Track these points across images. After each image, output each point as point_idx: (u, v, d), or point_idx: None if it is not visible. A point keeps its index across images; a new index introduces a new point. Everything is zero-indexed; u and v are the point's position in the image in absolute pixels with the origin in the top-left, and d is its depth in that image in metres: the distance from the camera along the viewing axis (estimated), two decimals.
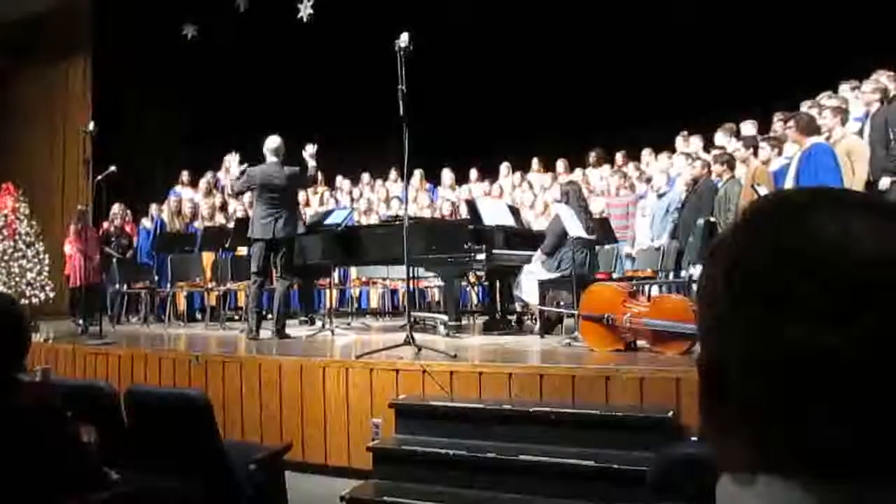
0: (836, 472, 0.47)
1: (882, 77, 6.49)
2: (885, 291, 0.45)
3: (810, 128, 5.95)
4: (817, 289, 0.46)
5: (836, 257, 0.46)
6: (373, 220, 9.71)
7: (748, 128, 7.84)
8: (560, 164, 10.01)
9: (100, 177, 7.42)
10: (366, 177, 11.20)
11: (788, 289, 0.47)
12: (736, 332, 0.50)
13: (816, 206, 0.50)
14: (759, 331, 0.48)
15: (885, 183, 6.07)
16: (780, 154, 6.73)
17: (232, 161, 7.02)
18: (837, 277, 0.46)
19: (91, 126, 7.54)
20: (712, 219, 6.61)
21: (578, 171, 9.77)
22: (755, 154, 6.75)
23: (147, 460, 2.83)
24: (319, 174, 9.84)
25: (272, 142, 6.61)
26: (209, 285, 8.78)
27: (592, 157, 9.89)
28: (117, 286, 9.10)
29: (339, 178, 11.19)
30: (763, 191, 5.69)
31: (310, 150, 6.70)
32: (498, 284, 7.41)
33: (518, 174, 10.34)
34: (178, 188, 10.71)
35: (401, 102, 5.11)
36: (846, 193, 0.52)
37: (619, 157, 9.61)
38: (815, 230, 0.48)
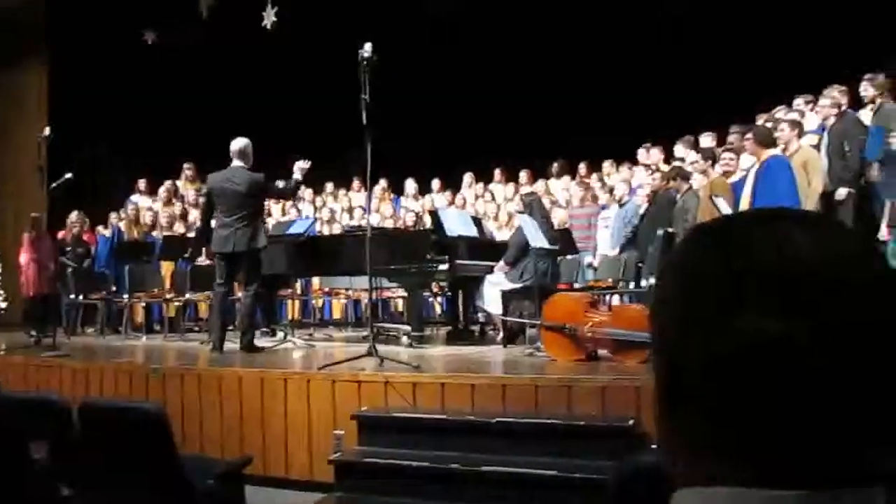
0: (795, 481, 0.48)
1: (834, 92, 6.69)
2: (823, 286, 0.49)
3: (767, 140, 6.09)
4: (764, 286, 0.49)
5: (780, 259, 0.50)
6: (335, 230, 9.65)
7: (707, 140, 7.99)
8: (522, 175, 10.09)
9: (55, 184, 7.23)
10: (329, 186, 11.14)
11: (737, 288, 0.50)
12: (689, 335, 0.52)
13: (760, 220, 0.55)
14: (711, 329, 0.50)
15: (841, 193, 6.26)
16: (737, 166, 6.86)
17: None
18: (781, 275, 0.50)
19: (47, 132, 7.34)
20: (671, 230, 6.71)
21: (541, 181, 9.85)
22: (713, 166, 6.88)
23: (102, 476, 2.76)
24: (302, 188, 9.57)
25: (237, 143, 6.20)
26: (168, 296, 8.63)
27: (555, 167, 10.00)
28: (72, 296, 8.89)
29: (301, 188, 11.10)
30: (721, 202, 5.79)
31: (300, 165, 6.43)
32: (461, 295, 7.40)
33: (481, 185, 10.39)
34: (135, 196, 10.53)
35: (364, 112, 5.09)
36: (784, 210, 0.56)
37: (581, 167, 9.72)
38: (760, 239, 0.52)
